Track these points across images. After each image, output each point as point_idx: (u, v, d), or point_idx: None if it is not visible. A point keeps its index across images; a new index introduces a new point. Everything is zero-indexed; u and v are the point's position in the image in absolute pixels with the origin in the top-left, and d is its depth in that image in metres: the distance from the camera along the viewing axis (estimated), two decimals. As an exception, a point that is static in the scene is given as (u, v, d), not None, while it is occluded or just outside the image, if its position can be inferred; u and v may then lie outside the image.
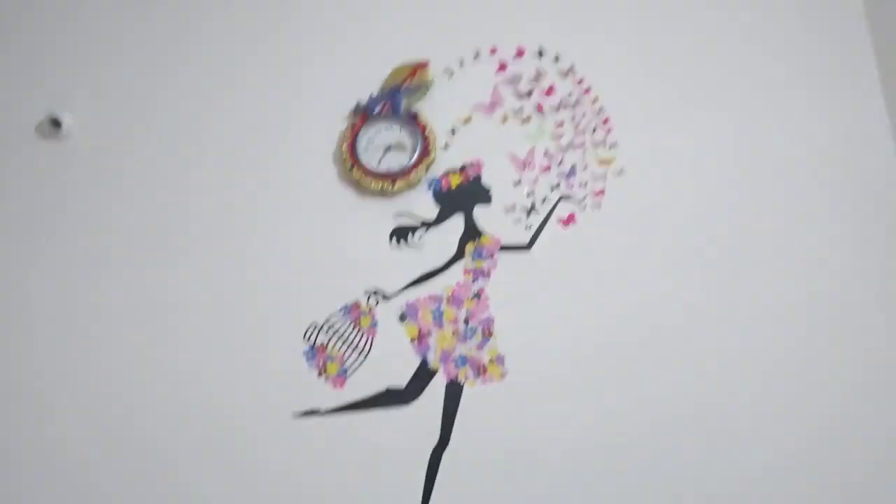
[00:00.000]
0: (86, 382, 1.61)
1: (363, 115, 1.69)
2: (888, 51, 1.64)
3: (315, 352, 1.59)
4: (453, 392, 1.56)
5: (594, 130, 1.67)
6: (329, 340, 1.60)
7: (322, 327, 1.60)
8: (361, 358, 1.59)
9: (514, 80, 1.71)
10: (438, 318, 1.60)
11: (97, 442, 1.58)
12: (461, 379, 1.57)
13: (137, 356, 1.62)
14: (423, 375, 1.58)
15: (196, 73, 1.77)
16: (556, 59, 1.71)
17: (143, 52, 1.79)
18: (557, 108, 1.69)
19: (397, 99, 1.68)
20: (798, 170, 1.63)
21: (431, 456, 1.54)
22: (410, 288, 1.62)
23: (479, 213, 1.65)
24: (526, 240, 1.63)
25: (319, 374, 1.59)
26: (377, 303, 1.62)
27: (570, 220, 1.63)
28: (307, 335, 1.60)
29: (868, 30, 1.68)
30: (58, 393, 1.61)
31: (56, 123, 1.70)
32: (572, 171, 1.65)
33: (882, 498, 1.48)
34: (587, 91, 1.69)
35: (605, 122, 1.67)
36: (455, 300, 1.61)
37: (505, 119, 1.69)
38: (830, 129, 1.64)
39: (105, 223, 1.69)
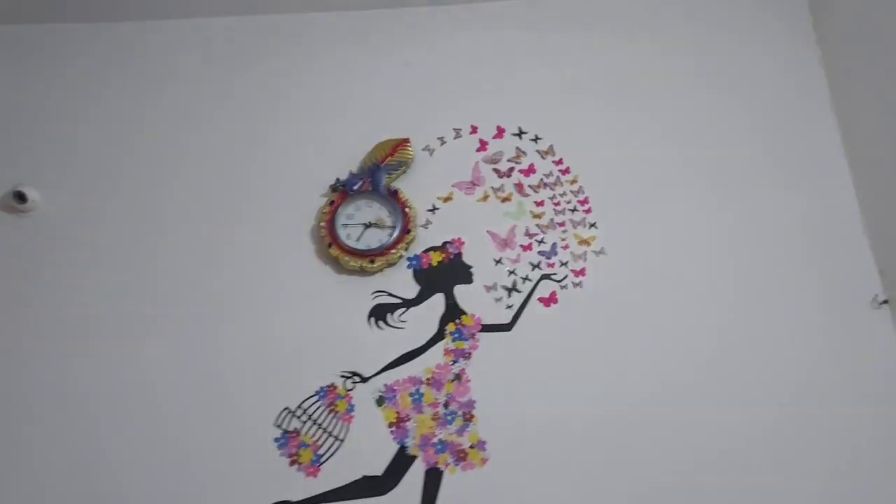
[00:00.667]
0: (51, 464, 1.50)
1: (342, 191, 1.67)
2: (854, 134, 1.71)
3: (287, 438, 1.51)
4: (433, 479, 1.50)
5: (574, 210, 1.68)
6: (303, 426, 1.52)
7: (295, 412, 1.53)
8: (337, 444, 1.51)
9: (495, 159, 1.72)
10: (418, 401, 1.55)
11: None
12: (441, 465, 1.51)
13: (101, 440, 1.52)
14: (401, 462, 1.51)
15: (166, 146, 1.74)
16: (536, 139, 1.73)
17: (112, 126, 1.75)
18: (537, 188, 1.70)
19: (377, 176, 1.67)
20: (774, 248, 1.65)
21: (410, 550, 1.46)
22: (389, 370, 1.56)
23: (460, 292, 1.62)
24: (507, 319, 1.60)
25: (292, 462, 1.50)
26: (354, 385, 1.56)
27: (551, 299, 1.62)
28: (279, 420, 1.53)
29: (835, 112, 1.75)
30: (15, 484, 1.49)
31: (21, 197, 1.64)
32: (553, 250, 1.65)
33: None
34: (566, 171, 1.71)
35: (584, 202, 1.68)
36: (435, 382, 1.56)
37: (485, 197, 1.69)
38: (801, 210, 1.68)
39: (70, 299, 1.61)
